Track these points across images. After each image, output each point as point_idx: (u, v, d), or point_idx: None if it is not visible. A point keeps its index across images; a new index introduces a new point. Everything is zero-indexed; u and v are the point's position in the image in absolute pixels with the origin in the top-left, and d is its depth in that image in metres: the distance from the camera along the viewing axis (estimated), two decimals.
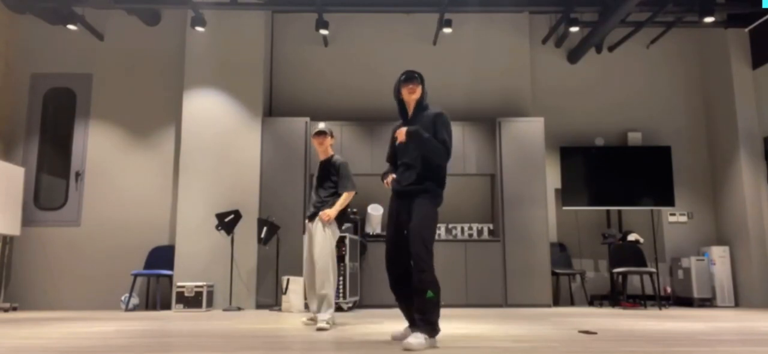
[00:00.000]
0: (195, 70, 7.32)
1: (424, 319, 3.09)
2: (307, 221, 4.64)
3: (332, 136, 4.71)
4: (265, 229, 6.64)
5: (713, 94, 7.97)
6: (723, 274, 7.30)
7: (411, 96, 3.43)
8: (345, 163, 4.60)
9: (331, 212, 4.41)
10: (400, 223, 3.32)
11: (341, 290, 6.11)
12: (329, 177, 4.56)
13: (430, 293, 3.09)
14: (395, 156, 3.57)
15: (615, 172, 7.61)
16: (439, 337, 3.21)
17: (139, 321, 5.05)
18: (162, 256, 7.14)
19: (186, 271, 6.89)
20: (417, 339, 2.99)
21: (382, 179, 3.61)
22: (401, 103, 3.51)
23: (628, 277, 7.09)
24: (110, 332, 3.98)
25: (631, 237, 7.07)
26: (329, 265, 4.36)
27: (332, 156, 4.66)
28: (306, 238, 4.64)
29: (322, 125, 4.71)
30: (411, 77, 3.42)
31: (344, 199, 4.48)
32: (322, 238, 4.38)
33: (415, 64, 7.92)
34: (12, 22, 7.70)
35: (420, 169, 3.30)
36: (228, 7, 7.19)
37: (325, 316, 4.25)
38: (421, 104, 3.44)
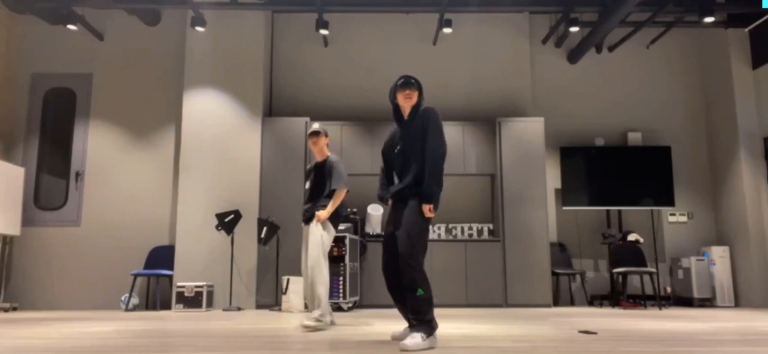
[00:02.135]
0: (195, 70, 7.32)
1: (419, 319, 3.07)
2: (303, 224, 4.61)
3: (327, 136, 4.67)
4: (265, 229, 6.64)
5: (713, 94, 7.97)
6: (723, 274, 7.29)
7: (407, 102, 3.38)
8: (339, 161, 4.57)
9: (323, 214, 4.39)
10: (395, 226, 3.30)
11: (341, 290, 6.11)
12: (326, 178, 4.53)
13: (420, 291, 3.08)
14: (388, 161, 3.54)
15: (615, 172, 7.61)
16: (438, 333, 3.20)
17: (139, 321, 5.05)
18: (162, 256, 7.14)
19: (186, 271, 6.89)
20: (414, 339, 2.96)
21: (381, 199, 3.57)
22: (396, 108, 3.47)
23: (628, 277, 7.10)
24: (110, 332, 3.98)
25: (631, 237, 7.07)
26: (319, 264, 4.32)
27: (328, 157, 4.62)
28: (303, 241, 4.62)
29: (316, 125, 4.66)
30: (408, 82, 3.37)
31: (337, 196, 4.44)
32: (313, 237, 4.37)
33: (415, 64, 7.94)
34: (12, 22, 7.71)
35: (412, 177, 3.27)
36: (228, 7, 7.19)
37: (315, 313, 4.20)
38: (416, 110, 3.38)
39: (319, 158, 4.66)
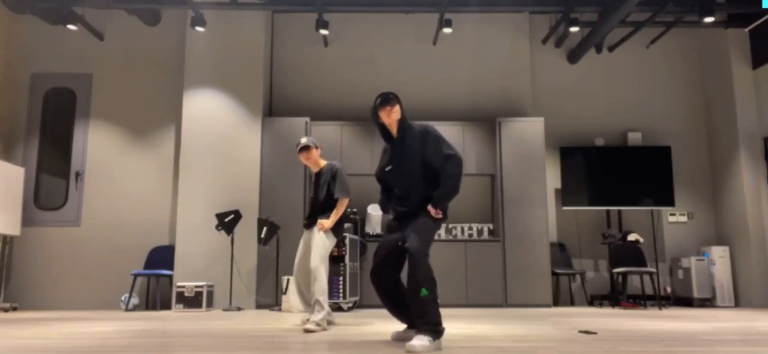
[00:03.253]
0: (195, 70, 7.32)
1: (426, 322, 3.00)
2: (305, 231, 4.59)
3: (317, 147, 4.63)
4: (265, 229, 6.64)
5: (713, 94, 7.97)
6: (723, 274, 7.29)
7: (391, 118, 3.36)
8: (340, 169, 4.53)
9: (327, 223, 4.38)
10: (396, 239, 3.30)
11: (341, 290, 6.11)
12: (324, 187, 4.52)
13: (423, 291, 3.00)
14: (384, 182, 3.52)
15: (615, 172, 7.61)
16: (445, 337, 3.17)
17: (139, 321, 5.05)
18: (162, 256, 7.13)
19: (186, 271, 6.89)
20: (421, 341, 2.90)
21: (383, 209, 3.56)
22: (381, 126, 3.43)
23: (628, 277, 7.09)
24: (110, 332, 3.98)
25: (631, 237, 7.07)
26: (320, 268, 4.31)
27: (324, 165, 4.60)
28: (301, 242, 4.59)
29: (304, 139, 4.61)
30: (386, 99, 3.34)
31: (340, 206, 4.43)
32: (317, 241, 4.37)
33: (415, 64, 7.94)
34: (12, 22, 7.71)
35: (418, 197, 3.27)
36: (228, 7, 7.19)
37: (316, 317, 4.17)
38: (404, 122, 3.39)
39: (314, 169, 4.63)
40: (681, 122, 8.10)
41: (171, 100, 7.62)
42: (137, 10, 7.35)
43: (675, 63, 8.24)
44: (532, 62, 8.09)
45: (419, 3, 7.42)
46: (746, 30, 7.60)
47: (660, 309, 6.55)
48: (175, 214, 7.21)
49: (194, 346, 3.17)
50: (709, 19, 6.98)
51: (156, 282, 6.95)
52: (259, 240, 6.68)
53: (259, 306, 6.86)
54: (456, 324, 4.51)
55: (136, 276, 6.79)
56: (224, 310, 6.60)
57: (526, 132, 7.30)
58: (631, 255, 6.86)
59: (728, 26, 7.56)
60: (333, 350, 3.01)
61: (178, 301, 6.51)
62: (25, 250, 7.27)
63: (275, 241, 6.86)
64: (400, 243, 3.25)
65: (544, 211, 7.11)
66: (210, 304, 6.71)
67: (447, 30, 7.27)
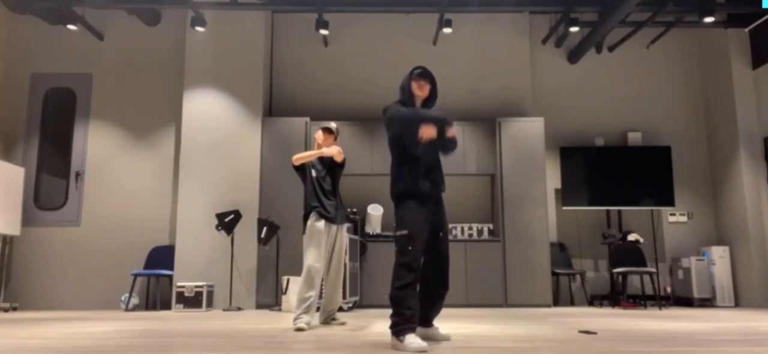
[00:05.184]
0: (195, 70, 7.32)
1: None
2: (325, 223, 4.41)
3: (336, 139, 4.71)
4: (265, 229, 6.64)
5: (713, 94, 7.97)
6: (723, 274, 7.29)
7: (420, 92, 3.49)
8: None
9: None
10: (443, 228, 3.52)
11: (341, 290, 6.10)
12: (338, 176, 4.63)
13: None
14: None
15: (615, 172, 7.61)
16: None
17: (139, 321, 5.05)
18: (162, 256, 7.13)
19: (186, 271, 6.89)
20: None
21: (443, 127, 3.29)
22: (411, 96, 3.48)
23: (628, 277, 7.09)
24: (110, 332, 3.98)
25: (631, 237, 7.06)
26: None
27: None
28: (324, 240, 4.41)
29: (333, 124, 4.75)
30: (424, 74, 3.47)
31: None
32: (345, 243, 4.59)
33: (415, 63, 7.89)
34: (12, 22, 7.70)
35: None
36: (228, 7, 7.19)
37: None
38: (427, 104, 3.52)
39: (327, 153, 4.54)
40: (681, 122, 8.10)
41: (171, 100, 7.62)
42: (137, 10, 7.35)
43: (675, 63, 8.23)
44: (532, 62, 8.09)
45: (419, 3, 7.41)
46: (746, 30, 7.60)
47: (660, 309, 6.55)
48: (175, 214, 7.21)
49: (194, 346, 3.17)
50: (709, 19, 6.98)
51: (156, 282, 6.95)
52: (259, 240, 6.68)
53: (259, 306, 6.86)
54: (456, 324, 4.51)
55: (136, 276, 6.79)
56: (224, 310, 6.60)
57: (526, 132, 7.30)
58: (631, 255, 6.86)
59: (728, 26, 7.56)
60: (334, 350, 3.00)
61: (178, 301, 6.51)
62: (25, 250, 7.27)
63: (275, 241, 6.85)
64: (441, 233, 3.55)
65: (544, 211, 7.11)
66: (210, 304, 6.71)
67: (447, 30, 7.27)
